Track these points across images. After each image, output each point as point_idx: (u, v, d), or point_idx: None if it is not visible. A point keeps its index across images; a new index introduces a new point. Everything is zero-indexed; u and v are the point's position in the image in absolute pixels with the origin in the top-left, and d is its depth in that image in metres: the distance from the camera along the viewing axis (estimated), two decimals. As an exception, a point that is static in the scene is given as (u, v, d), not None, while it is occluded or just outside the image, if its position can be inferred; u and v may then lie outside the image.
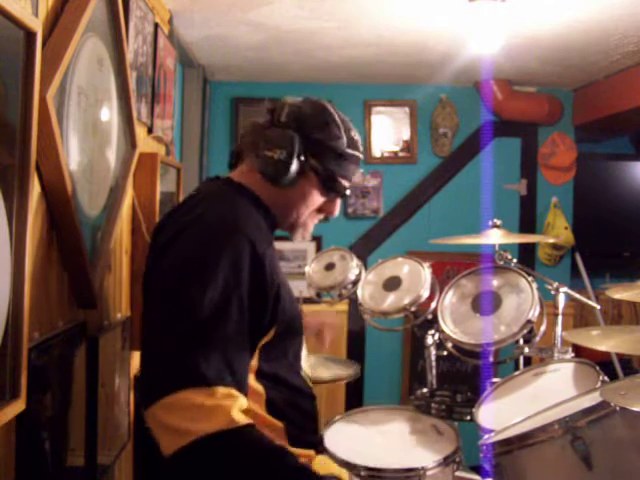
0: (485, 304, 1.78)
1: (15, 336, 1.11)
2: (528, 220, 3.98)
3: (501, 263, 1.92)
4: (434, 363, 1.93)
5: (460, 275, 1.90)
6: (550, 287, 1.80)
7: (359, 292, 2.12)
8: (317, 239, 3.76)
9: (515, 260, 1.92)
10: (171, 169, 2.35)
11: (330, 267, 2.30)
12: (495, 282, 1.82)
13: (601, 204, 4.15)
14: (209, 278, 1.17)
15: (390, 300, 2.02)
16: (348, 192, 1.49)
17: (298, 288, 2.18)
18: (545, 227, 3.93)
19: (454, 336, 1.74)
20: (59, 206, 1.35)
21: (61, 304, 1.44)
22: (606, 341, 1.52)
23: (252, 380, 1.29)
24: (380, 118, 3.90)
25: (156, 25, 2.22)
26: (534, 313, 1.69)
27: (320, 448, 1.44)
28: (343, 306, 3.71)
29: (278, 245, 1.41)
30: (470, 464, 1.72)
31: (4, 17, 1.01)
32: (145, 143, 2.14)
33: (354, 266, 2.23)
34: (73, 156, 1.41)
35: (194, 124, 3.33)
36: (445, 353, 1.88)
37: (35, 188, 1.26)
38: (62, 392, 1.40)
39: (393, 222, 3.91)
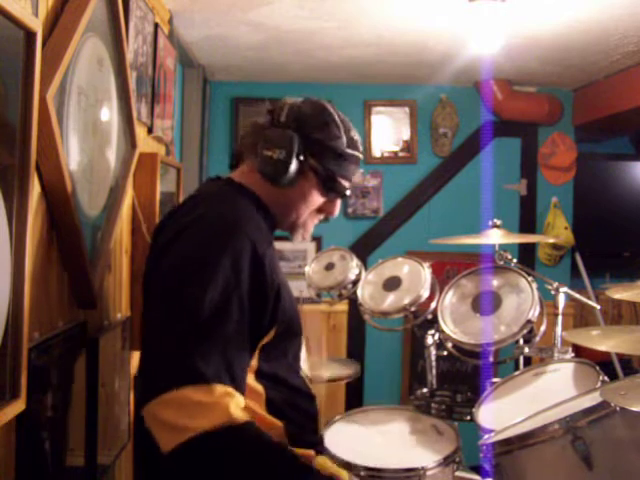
0: (485, 304, 1.78)
1: (15, 336, 1.11)
2: (528, 220, 3.98)
3: (501, 263, 1.92)
4: (434, 363, 1.93)
5: (460, 275, 1.90)
6: (550, 287, 1.81)
7: (359, 292, 2.12)
8: (317, 239, 3.76)
9: (515, 260, 1.92)
10: (171, 169, 2.35)
11: (330, 267, 2.30)
12: (495, 282, 1.82)
13: (601, 204, 4.15)
14: (209, 278, 1.17)
15: (390, 300, 2.02)
16: (348, 192, 1.49)
17: (298, 288, 2.18)
18: (545, 227, 3.93)
19: (454, 336, 1.75)
20: (59, 206, 1.35)
21: (61, 304, 1.44)
22: (606, 341, 1.52)
23: (252, 380, 1.29)
24: (380, 118, 3.90)
25: (156, 25, 2.22)
26: (534, 313, 1.69)
27: (320, 448, 1.44)
28: (343, 306, 3.71)
29: (278, 245, 1.41)
30: (470, 464, 1.72)
31: (4, 17, 1.01)
32: (145, 143, 2.14)
33: (354, 266, 2.23)
34: (73, 156, 1.41)
35: (194, 124, 3.33)
36: (445, 353, 1.88)
37: (35, 188, 1.26)
38: (62, 392, 1.40)
39: (393, 222, 3.91)
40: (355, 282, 2.20)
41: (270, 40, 2.92)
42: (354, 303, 2.17)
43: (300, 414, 1.40)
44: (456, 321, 1.79)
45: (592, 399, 1.24)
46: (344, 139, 1.41)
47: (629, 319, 4.35)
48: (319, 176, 1.40)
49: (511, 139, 3.95)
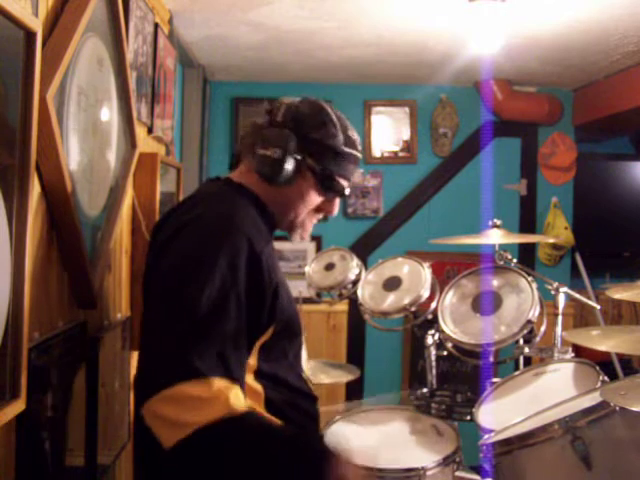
0: (485, 304, 1.78)
1: (15, 336, 1.11)
2: (528, 220, 3.98)
3: (501, 263, 1.92)
4: (434, 363, 1.93)
5: (460, 275, 1.90)
6: (550, 287, 1.81)
7: (359, 292, 2.12)
8: (317, 239, 3.76)
9: (515, 260, 1.92)
10: (171, 169, 2.35)
11: (330, 267, 2.30)
12: (495, 282, 1.82)
13: (601, 204, 4.15)
14: (206, 277, 1.18)
15: (390, 300, 2.02)
16: (347, 192, 1.49)
17: (298, 288, 2.19)
18: (545, 227, 3.93)
19: (454, 336, 1.75)
20: (59, 206, 1.35)
21: (61, 304, 1.44)
22: (606, 341, 1.52)
23: (251, 380, 1.29)
24: (380, 118, 3.90)
25: (156, 25, 2.22)
26: (534, 313, 1.70)
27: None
28: (343, 306, 3.71)
29: (278, 245, 1.41)
30: (470, 464, 1.72)
31: (4, 17, 1.01)
32: (145, 143, 2.14)
33: (354, 266, 2.24)
34: (73, 156, 1.41)
35: (194, 124, 3.33)
36: (445, 353, 1.88)
37: (35, 188, 1.26)
38: (62, 392, 1.40)
39: (393, 222, 3.91)
40: (355, 282, 2.20)
41: (270, 40, 2.92)
42: (354, 303, 2.17)
43: (300, 414, 1.40)
44: (456, 321, 1.79)
45: (592, 399, 1.24)
46: (341, 137, 1.41)
47: (629, 319, 4.35)
48: (316, 175, 1.40)
49: (511, 139, 3.95)
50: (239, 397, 1.14)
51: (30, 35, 1.10)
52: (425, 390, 1.88)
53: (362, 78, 3.71)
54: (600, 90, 3.66)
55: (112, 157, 1.71)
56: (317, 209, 1.48)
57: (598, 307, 2.16)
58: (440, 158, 3.93)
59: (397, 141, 3.92)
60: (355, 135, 1.46)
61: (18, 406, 1.12)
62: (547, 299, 1.79)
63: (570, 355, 1.73)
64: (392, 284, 2.06)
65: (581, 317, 4.17)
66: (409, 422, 1.70)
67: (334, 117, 1.41)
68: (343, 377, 2.25)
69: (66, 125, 1.36)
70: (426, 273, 2.02)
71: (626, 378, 1.31)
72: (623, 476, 1.20)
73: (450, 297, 1.86)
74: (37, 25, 1.11)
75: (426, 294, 1.97)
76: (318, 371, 2.24)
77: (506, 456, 1.28)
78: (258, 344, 1.30)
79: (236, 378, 1.16)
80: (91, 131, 1.53)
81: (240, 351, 1.22)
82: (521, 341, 1.73)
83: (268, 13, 2.54)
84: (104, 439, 1.67)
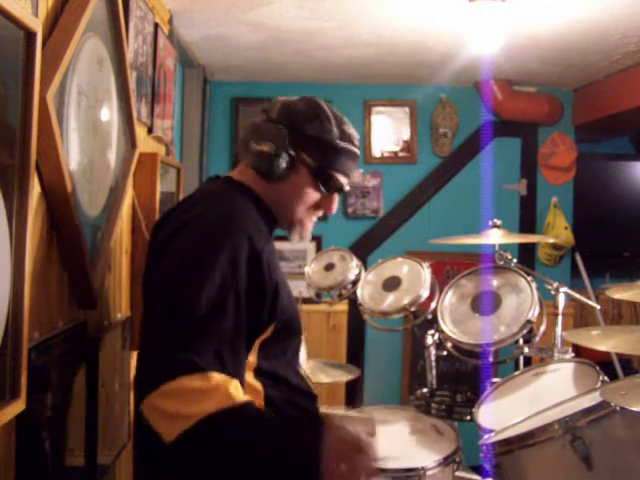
0: (485, 304, 1.78)
1: (15, 336, 1.11)
2: (528, 220, 3.97)
3: (501, 263, 1.92)
4: (434, 363, 1.93)
5: (460, 275, 1.90)
6: (550, 287, 1.81)
7: (359, 292, 2.12)
8: (317, 239, 3.76)
9: (515, 260, 1.92)
10: (171, 169, 2.35)
11: (330, 267, 2.30)
12: (495, 282, 1.82)
13: (601, 204, 4.15)
14: (206, 275, 1.18)
15: (390, 300, 2.02)
16: (347, 188, 1.48)
17: (298, 288, 2.18)
18: (545, 227, 3.93)
19: (454, 336, 1.75)
20: (59, 206, 1.35)
21: (61, 304, 1.44)
22: (606, 341, 1.52)
23: (251, 377, 1.30)
24: (380, 118, 3.90)
25: (156, 25, 2.22)
26: (534, 313, 1.70)
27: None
28: (343, 306, 3.71)
29: (278, 245, 1.41)
30: (470, 464, 1.72)
31: (4, 17, 1.01)
32: (145, 143, 2.14)
33: (354, 266, 2.24)
34: (73, 156, 1.41)
35: (194, 124, 3.33)
36: (445, 353, 1.88)
37: (35, 188, 1.26)
38: (62, 392, 1.40)
39: (393, 222, 3.91)
40: (355, 282, 2.20)
41: (270, 40, 2.92)
42: (354, 303, 2.17)
43: (300, 412, 1.40)
44: (456, 321, 1.80)
45: (592, 399, 1.24)
46: (336, 132, 1.40)
47: (629, 319, 4.35)
48: (312, 170, 1.40)
49: (511, 139, 3.95)
50: (238, 389, 1.14)
51: (30, 35, 1.10)
52: (425, 390, 1.88)
53: (362, 78, 3.71)
54: (600, 90, 3.66)
55: (112, 157, 1.71)
56: (315, 206, 1.47)
57: (598, 307, 2.16)
58: (440, 158, 3.93)
59: (397, 141, 3.92)
60: (351, 130, 1.45)
61: (18, 406, 1.12)
62: (547, 299, 1.79)
63: (570, 355, 1.73)
64: (392, 284, 2.06)
65: (581, 317, 4.17)
66: (409, 422, 1.70)
67: (329, 112, 1.41)
68: (343, 377, 2.25)
69: (66, 125, 1.36)
70: (426, 273, 2.02)
71: (626, 378, 1.31)
72: (623, 476, 1.20)
73: (450, 297, 1.86)
74: (37, 25, 1.11)
75: (426, 294, 1.97)
76: (318, 371, 2.24)
77: (506, 456, 1.28)
78: (258, 342, 1.30)
79: (233, 375, 1.16)
80: (91, 131, 1.53)
81: (240, 349, 1.22)
82: (521, 341, 1.73)
83: (268, 13, 2.54)
84: (104, 439, 1.67)
